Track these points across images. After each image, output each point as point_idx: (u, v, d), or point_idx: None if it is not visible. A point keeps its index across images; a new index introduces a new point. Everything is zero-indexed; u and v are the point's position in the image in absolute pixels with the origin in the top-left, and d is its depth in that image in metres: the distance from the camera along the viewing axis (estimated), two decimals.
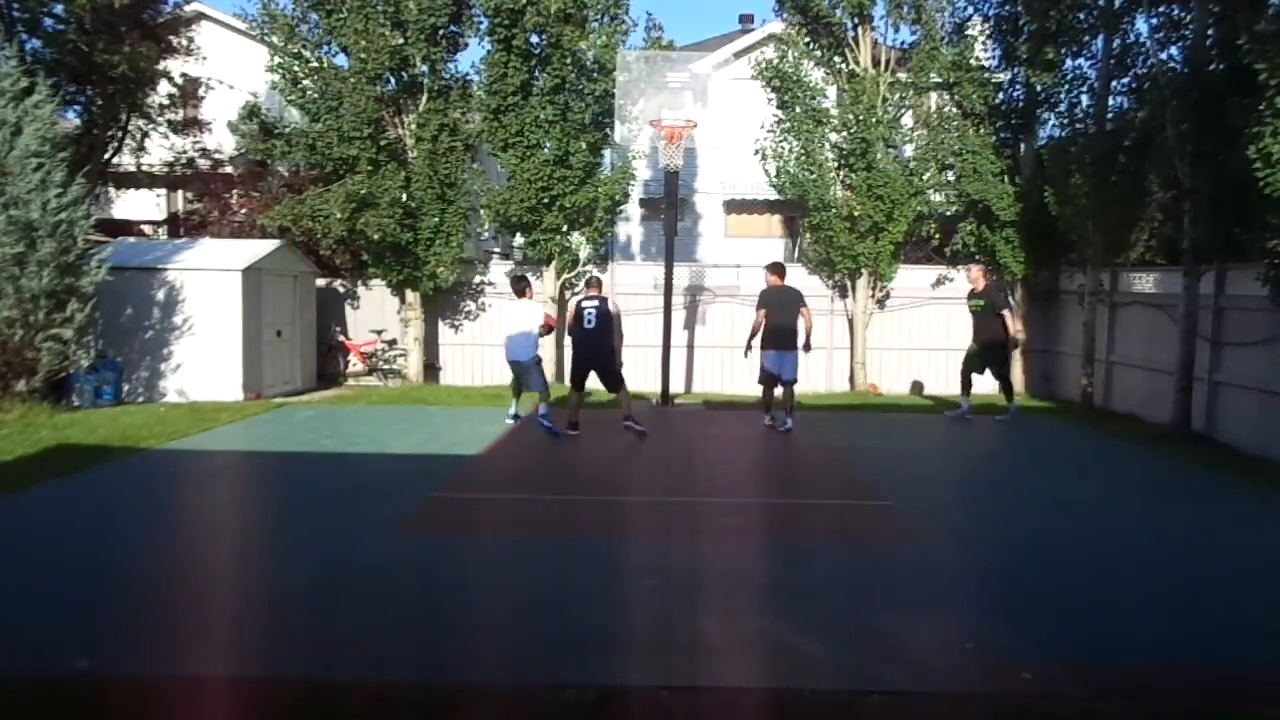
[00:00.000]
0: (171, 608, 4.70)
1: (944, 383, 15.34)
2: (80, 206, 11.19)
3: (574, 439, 9.58)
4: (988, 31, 14.58)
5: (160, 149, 16.02)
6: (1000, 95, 14.45)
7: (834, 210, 14.67)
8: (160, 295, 12.54)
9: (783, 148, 14.88)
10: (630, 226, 20.01)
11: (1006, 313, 11.30)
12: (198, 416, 10.69)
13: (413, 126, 14.42)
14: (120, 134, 14.52)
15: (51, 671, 3.80)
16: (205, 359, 12.51)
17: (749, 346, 10.39)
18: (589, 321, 10.01)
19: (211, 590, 5.05)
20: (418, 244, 14.35)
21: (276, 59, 14.16)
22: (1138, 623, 4.61)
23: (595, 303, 10.13)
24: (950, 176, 14.97)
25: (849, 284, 15.34)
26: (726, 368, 15.29)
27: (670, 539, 6.17)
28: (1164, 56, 11.18)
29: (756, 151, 14.97)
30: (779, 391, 10.46)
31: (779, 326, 10.10)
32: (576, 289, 15.03)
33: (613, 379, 10.07)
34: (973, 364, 11.56)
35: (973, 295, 11.58)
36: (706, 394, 14.67)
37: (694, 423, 11.31)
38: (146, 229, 18.40)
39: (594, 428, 9.98)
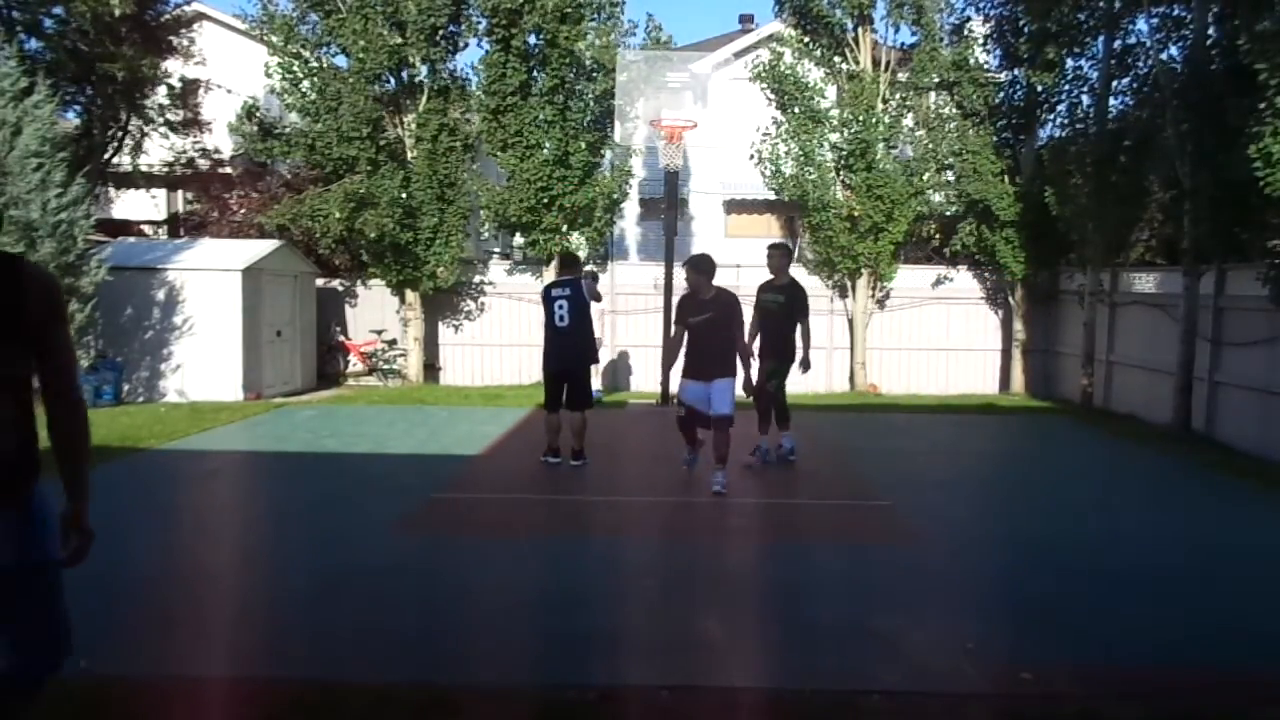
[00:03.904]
0: (171, 608, 4.69)
1: (944, 383, 15.39)
2: (80, 206, 11.19)
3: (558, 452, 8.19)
4: (988, 32, 14.59)
5: (160, 149, 16.02)
6: (1000, 95, 14.46)
7: (834, 210, 14.67)
8: (160, 295, 12.54)
9: (780, 149, 14.89)
10: (630, 226, 19.99)
11: (806, 320, 8.18)
12: (198, 416, 10.68)
13: (412, 126, 14.42)
14: (120, 134, 14.52)
15: None
16: (205, 359, 12.51)
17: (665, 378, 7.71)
18: (560, 319, 7.80)
19: (211, 590, 5.05)
20: (417, 244, 14.35)
21: (276, 59, 14.16)
22: (1138, 623, 4.61)
23: (567, 290, 7.85)
24: (950, 176, 14.98)
25: (849, 284, 15.34)
26: None
27: (670, 539, 6.17)
28: (1164, 56, 11.19)
29: (752, 156, 14.98)
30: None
31: (700, 348, 7.21)
32: None
33: (582, 395, 8.01)
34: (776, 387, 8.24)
35: (769, 288, 8.27)
36: None
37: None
38: (146, 229, 18.39)
39: (595, 428, 9.95)
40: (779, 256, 8.25)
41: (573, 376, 8.01)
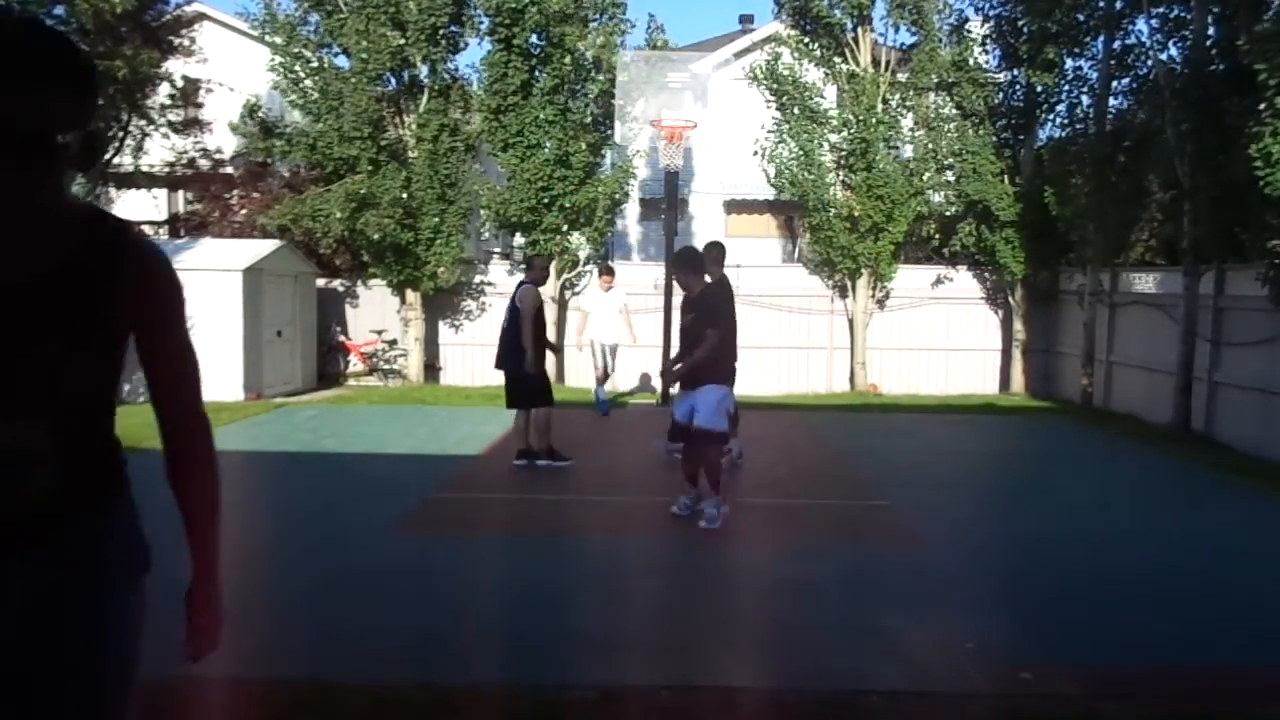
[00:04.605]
0: (171, 608, 4.69)
1: (944, 383, 15.39)
2: None
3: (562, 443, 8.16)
4: (988, 32, 14.60)
5: (161, 149, 16.02)
6: (1000, 95, 14.46)
7: (834, 210, 14.69)
8: None
9: (781, 149, 14.91)
10: (630, 226, 20.01)
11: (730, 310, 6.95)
12: None
13: (413, 126, 14.43)
14: (121, 134, 14.51)
15: None
16: (206, 359, 11.98)
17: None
18: (505, 320, 7.99)
19: None
20: (418, 244, 14.36)
21: (278, 59, 14.18)
22: (1137, 623, 4.61)
23: (515, 291, 7.90)
24: (950, 176, 14.99)
25: (849, 284, 15.35)
26: None
27: (670, 539, 6.17)
28: (1164, 57, 11.20)
29: (756, 153, 14.99)
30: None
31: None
32: (577, 289, 15.04)
33: (527, 396, 7.86)
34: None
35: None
36: None
37: None
38: (147, 229, 18.38)
39: (593, 428, 9.98)
40: (714, 253, 7.49)
41: (510, 378, 7.94)
